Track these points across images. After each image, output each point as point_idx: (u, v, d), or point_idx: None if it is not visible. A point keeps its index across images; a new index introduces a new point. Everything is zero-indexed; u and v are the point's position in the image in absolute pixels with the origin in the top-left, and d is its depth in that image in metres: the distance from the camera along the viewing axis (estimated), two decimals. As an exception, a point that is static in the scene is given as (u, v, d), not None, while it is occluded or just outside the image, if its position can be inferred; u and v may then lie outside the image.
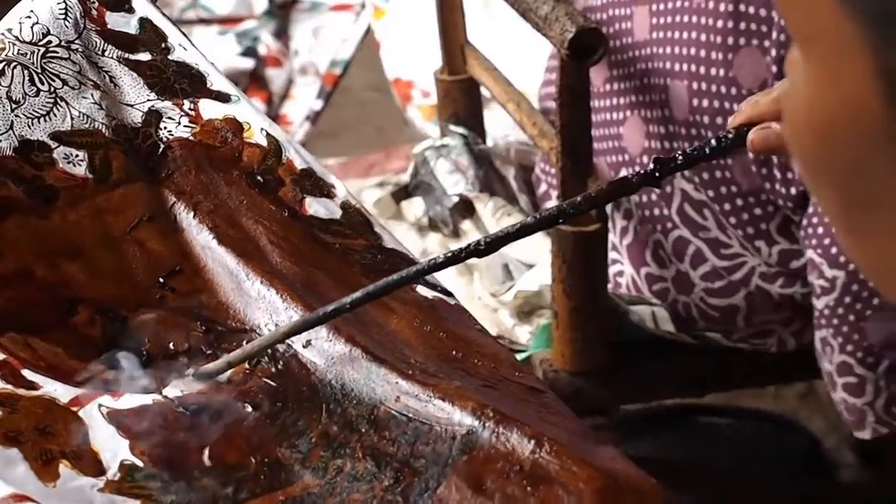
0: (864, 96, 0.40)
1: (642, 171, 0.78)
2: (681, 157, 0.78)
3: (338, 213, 0.97)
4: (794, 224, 1.18)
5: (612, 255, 1.32)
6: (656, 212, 1.26)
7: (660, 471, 1.60)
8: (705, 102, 1.18)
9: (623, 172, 1.27)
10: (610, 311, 1.25)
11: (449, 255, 0.82)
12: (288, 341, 0.85)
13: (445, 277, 1.47)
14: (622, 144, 1.28)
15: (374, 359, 0.82)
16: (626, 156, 1.27)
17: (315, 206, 0.96)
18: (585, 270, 1.20)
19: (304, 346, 0.85)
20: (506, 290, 1.32)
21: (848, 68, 0.40)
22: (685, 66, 1.19)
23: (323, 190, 0.98)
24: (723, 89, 1.16)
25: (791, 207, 1.16)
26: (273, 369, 0.85)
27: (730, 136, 0.76)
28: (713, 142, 0.76)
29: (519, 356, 1.30)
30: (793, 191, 1.15)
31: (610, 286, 1.32)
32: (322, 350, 0.84)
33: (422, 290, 0.92)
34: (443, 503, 0.75)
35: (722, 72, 1.16)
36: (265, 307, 0.88)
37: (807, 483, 1.65)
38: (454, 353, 0.85)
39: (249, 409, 0.83)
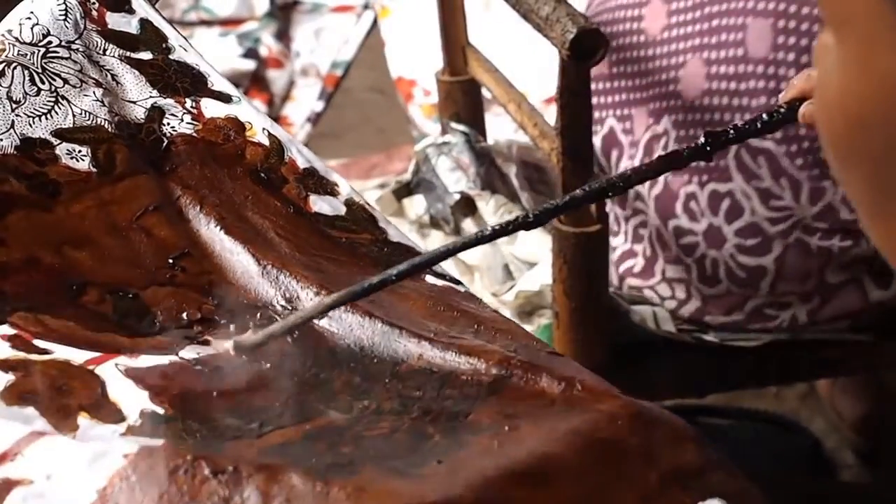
0: None
1: (693, 145, 0.79)
2: (732, 131, 0.78)
3: (342, 210, 0.97)
4: None
5: (620, 226, 1.32)
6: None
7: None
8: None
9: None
10: (611, 311, 1.25)
11: (497, 227, 0.82)
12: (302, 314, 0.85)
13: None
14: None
15: (392, 326, 0.82)
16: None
17: (319, 204, 0.96)
18: (586, 271, 1.20)
19: (319, 318, 0.85)
20: (507, 290, 1.32)
21: (883, 51, 0.39)
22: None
23: (326, 188, 0.98)
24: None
25: None
26: (288, 338, 0.84)
27: (781, 110, 0.76)
28: (765, 116, 0.77)
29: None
30: None
31: (623, 268, 1.32)
32: (339, 319, 0.84)
33: (431, 279, 0.92)
34: (474, 426, 0.75)
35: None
36: (278, 286, 0.88)
37: (807, 483, 1.65)
38: (470, 327, 0.85)
39: (268, 366, 0.82)
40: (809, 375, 1.58)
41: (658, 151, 1.27)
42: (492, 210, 1.37)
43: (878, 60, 0.40)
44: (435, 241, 1.47)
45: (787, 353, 1.33)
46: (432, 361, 0.79)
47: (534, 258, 1.33)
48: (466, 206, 1.42)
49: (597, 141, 1.31)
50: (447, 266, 1.45)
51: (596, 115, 1.26)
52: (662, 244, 1.29)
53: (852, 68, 0.41)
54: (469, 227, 1.41)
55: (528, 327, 1.30)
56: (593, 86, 1.22)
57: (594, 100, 1.22)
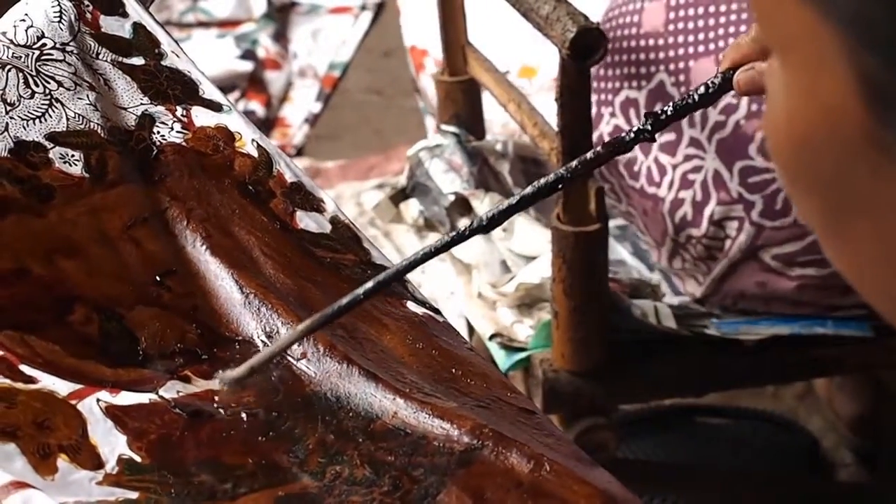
0: (844, 102, 0.39)
1: (636, 129, 0.79)
2: (671, 109, 0.78)
3: (327, 228, 0.96)
4: None
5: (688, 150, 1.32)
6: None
7: (659, 471, 1.61)
8: None
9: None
10: (611, 306, 1.25)
11: (454, 234, 0.82)
12: (283, 353, 0.86)
13: (445, 277, 1.48)
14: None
15: (369, 376, 0.82)
16: None
17: (306, 220, 0.96)
18: (586, 270, 1.20)
19: (298, 359, 0.85)
20: (507, 282, 1.32)
21: (826, 75, 0.39)
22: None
23: (313, 204, 0.97)
24: None
25: None
26: (267, 380, 0.85)
27: (716, 81, 0.76)
28: (701, 89, 0.77)
29: (518, 355, 1.30)
30: None
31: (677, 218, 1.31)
32: (317, 363, 0.85)
33: (412, 306, 0.92)
34: (447, 497, 0.75)
35: None
36: (259, 318, 0.88)
37: (805, 482, 1.66)
38: (447, 371, 0.86)
39: (244, 416, 0.83)
40: (807, 374, 1.58)
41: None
42: (486, 208, 1.37)
43: (821, 85, 0.39)
44: (432, 242, 1.46)
45: (784, 351, 1.33)
46: (406, 421, 0.80)
47: (531, 252, 1.33)
48: (462, 206, 1.42)
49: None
50: (446, 266, 1.46)
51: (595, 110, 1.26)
52: (719, 185, 1.28)
53: (796, 92, 0.41)
54: (465, 226, 1.41)
55: (529, 321, 1.30)
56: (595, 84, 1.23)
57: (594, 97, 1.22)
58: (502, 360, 1.31)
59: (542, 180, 0.81)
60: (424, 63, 2.65)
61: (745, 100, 1.24)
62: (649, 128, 0.78)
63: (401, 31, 2.66)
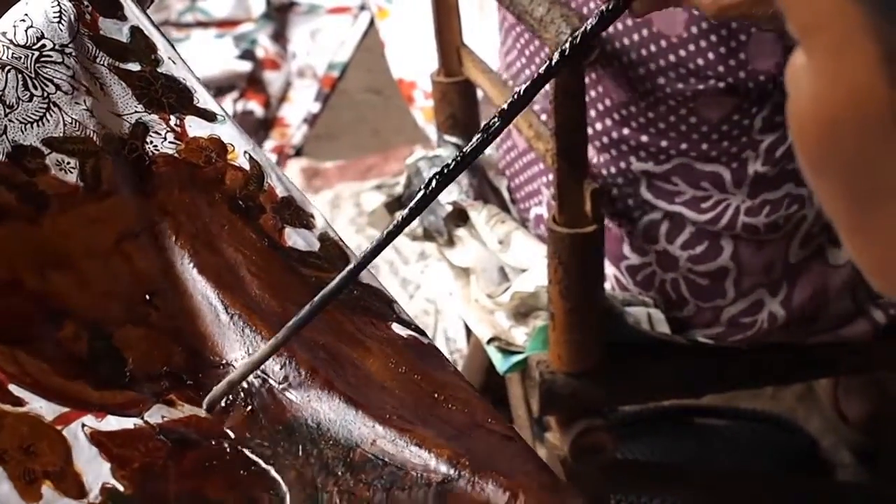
0: (871, 83, 0.39)
1: (558, 55, 0.80)
2: (579, 35, 0.79)
3: (316, 246, 0.95)
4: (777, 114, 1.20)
5: None
6: (628, 202, 1.27)
7: (657, 472, 1.60)
8: None
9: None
10: (605, 313, 1.25)
11: (383, 236, 0.82)
12: (266, 378, 0.86)
13: (441, 278, 1.47)
14: None
15: (350, 402, 0.83)
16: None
17: (294, 238, 0.95)
18: (581, 272, 1.20)
19: (280, 384, 0.85)
20: (502, 292, 1.32)
21: (853, 55, 0.39)
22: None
23: (302, 220, 0.96)
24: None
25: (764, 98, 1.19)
26: (249, 406, 0.85)
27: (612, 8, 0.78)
28: (600, 12, 0.79)
29: (515, 357, 1.30)
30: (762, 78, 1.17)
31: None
32: (299, 388, 0.85)
33: (396, 328, 0.92)
34: None
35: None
36: (243, 340, 0.88)
37: (804, 483, 1.65)
38: (429, 397, 0.86)
39: (226, 446, 0.83)
40: (806, 375, 1.58)
41: None
42: (484, 220, 1.37)
43: (849, 65, 0.40)
44: (428, 252, 1.46)
45: (783, 353, 1.33)
46: (385, 449, 0.80)
47: (527, 266, 1.33)
48: (459, 216, 1.42)
49: None
50: (445, 267, 1.46)
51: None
52: (622, 287, 1.31)
53: (823, 76, 0.41)
54: (462, 236, 1.41)
55: (524, 329, 1.30)
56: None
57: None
58: (500, 362, 1.30)
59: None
60: (414, 96, 2.65)
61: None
62: (565, 56, 0.79)
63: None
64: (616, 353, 1.27)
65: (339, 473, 0.80)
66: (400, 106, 2.67)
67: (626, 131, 1.24)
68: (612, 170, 1.26)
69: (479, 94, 1.48)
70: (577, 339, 1.24)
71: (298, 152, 2.62)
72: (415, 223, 1.43)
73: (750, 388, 1.71)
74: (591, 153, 1.24)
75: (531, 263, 1.31)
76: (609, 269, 1.28)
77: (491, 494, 0.76)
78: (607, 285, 1.28)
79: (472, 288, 1.36)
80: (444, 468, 0.78)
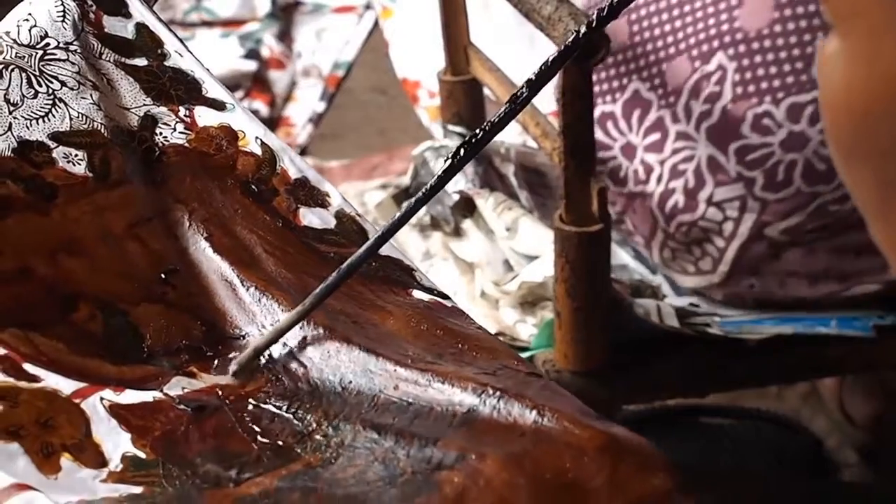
0: None
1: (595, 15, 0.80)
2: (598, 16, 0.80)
3: (332, 223, 0.96)
4: None
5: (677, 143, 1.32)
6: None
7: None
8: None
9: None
10: (614, 304, 1.25)
11: (434, 181, 0.83)
12: (284, 342, 0.86)
13: (445, 277, 1.47)
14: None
15: (369, 352, 0.83)
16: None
17: (309, 217, 0.96)
18: (588, 271, 1.20)
19: (299, 345, 0.85)
20: (510, 280, 1.32)
21: (890, 42, 0.40)
22: None
23: (317, 199, 0.97)
24: None
25: None
26: (271, 371, 0.85)
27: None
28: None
29: (521, 354, 1.30)
30: None
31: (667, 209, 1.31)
32: (317, 345, 0.85)
33: (417, 293, 0.92)
34: (445, 446, 0.75)
35: None
36: (262, 312, 0.88)
37: (808, 483, 1.65)
38: (452, 347, 0.85)
39: (250, 406, 0.83)
40: (811, 374, 1.58)
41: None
42: (491, 207, 1.37)
43: (885, 52, 0.40)
44: (436, 241, 1.47)
45: (787, 351, 1.33)
46: (408, 391, 0.80)
47: (536, 252, 1.33)
48: (466, 206, 1.42)
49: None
50: (449, 265, 1.46)
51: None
52: (714, 169, 1.29)
53: (858, 62, 0.41)
54: (469, 226, 1.41)
55: (532, 320, 1.30)
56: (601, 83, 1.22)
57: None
58: (505, 359, 1.31)
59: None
60: (418, 95, 2.65)
61: (728, 86, 1.25)
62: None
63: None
64: (622, 353, 1.27)
65: (363, 411, 0.80)
66: (405, 105, 2.67)
67: None
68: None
69: (486, 92, 1.48)
70: (582, 337, 1.24)
71: (303, 152, 2.62)
72: (422, 211, 1.44)
73: (755, 388, 1.71)
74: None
75: (539, 250, 1.31)
76: (705, 151, 1.28)
77: (517, 415, 0.75)
78: (682, 179, 1.27)
79: (477, 281, 1.36)
80: (469, 399, 0.77)
